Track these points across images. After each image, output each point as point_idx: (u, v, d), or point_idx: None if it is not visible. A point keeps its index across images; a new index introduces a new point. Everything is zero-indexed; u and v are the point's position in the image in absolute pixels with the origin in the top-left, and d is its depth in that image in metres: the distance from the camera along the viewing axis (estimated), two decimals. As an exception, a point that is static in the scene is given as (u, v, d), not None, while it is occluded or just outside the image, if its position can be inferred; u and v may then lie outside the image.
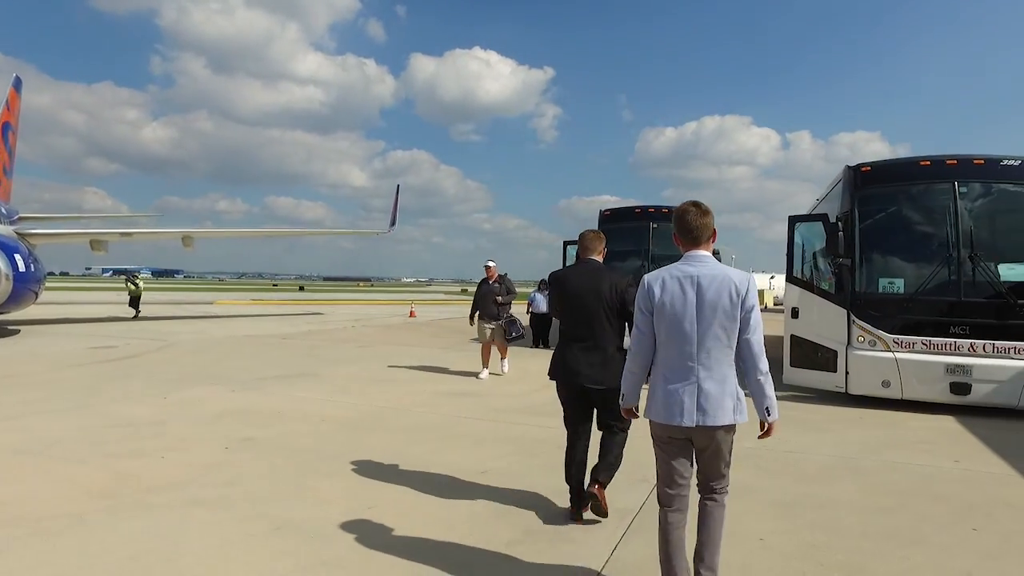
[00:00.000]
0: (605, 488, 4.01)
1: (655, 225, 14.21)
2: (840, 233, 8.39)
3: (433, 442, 6.06)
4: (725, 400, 2.75)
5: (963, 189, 8.22)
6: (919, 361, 8.03)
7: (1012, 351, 7.77)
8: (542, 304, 15.29)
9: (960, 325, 7.93)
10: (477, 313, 10.58)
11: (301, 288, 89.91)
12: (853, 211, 8.60)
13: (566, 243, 15.06)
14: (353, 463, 5.26)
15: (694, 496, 2.99)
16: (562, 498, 4.34)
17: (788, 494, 4.74)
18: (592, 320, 3.94)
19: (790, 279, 9.31)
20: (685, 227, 2.94)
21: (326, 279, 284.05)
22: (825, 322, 8.81)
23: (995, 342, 7.82)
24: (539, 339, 15.36)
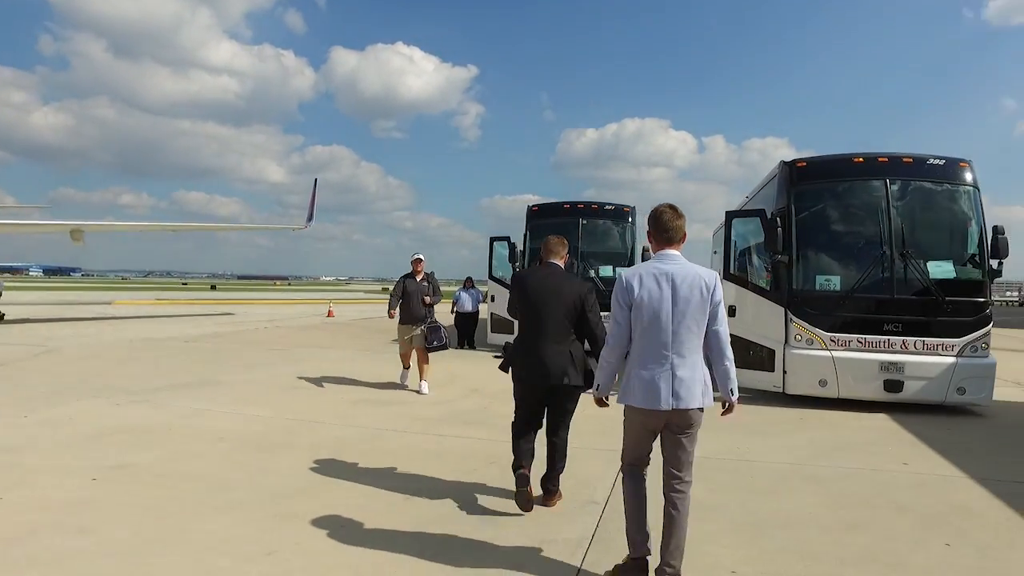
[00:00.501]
0: (555, 494, 4.28)
1: (584, 221, 13.85)
2: (779, 229, 8.20)
3: (349, 462, 5.27)
4: (696, 386, 3.00)
5: (894, 187, 8.18)
6: (855, 359, 7.94)
7: (940, 348, 7.82)
8: (467, 303, 14.61)
9: (893, 323, 7.90)
10: (399, 315, 9.16)
11: (213, 287, 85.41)
12: (789, 207, 8.42)
13: (493, 239, 14.50)
14: (252, 494, 4.42)
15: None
16: (505, 528, 3.73)
17: (749, 511, 4.30)
18: (555, 322, 4.06)
19: (727, 276, 9.04)
20: (661, 227, 3.15)
21: (241, 278, 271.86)
22: (762, 320, 8.61)
23: (925, 339, 7.83)
24: (464, 340, 14.68)
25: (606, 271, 13.58)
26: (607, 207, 14.15)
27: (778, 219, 8.27)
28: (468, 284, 14.87)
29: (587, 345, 4.16)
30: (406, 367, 9.33)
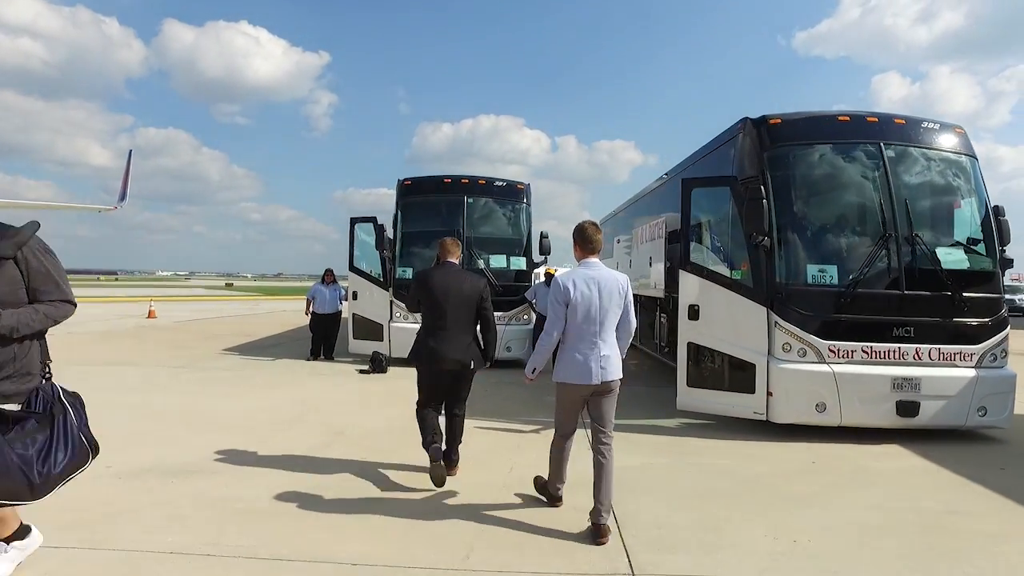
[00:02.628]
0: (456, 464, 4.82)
1: (470, 200, 11.17)
2: (764, 201, 6.21)
3: None
4: (615, 360, 3.84)
5: (890, 153, 6.52)
6: (862, 375, 6.00)
7: (958, 357, 6.15)
8: (327, 302, 11.36)
9: (904, 326, 6.13)
10: None
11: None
12: (764, 175, 6.44)
13: (354, 220, 11.38)
14: None
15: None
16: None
17: None
18: (457, 314, 4.62)
19: (686, 266, 6.81)
20: (587, 240, 3.93)
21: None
22: (736, 325, 6.47)
23: (941, 347, 6.13)
24: (321, 348, 11.42)
25: (498, 262, 11.00)
26: (497, 183, 11.54)
27: (760, 189, 6.27)
28: (328, 278, 11.60)
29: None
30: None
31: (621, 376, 3.85)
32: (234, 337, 15.23)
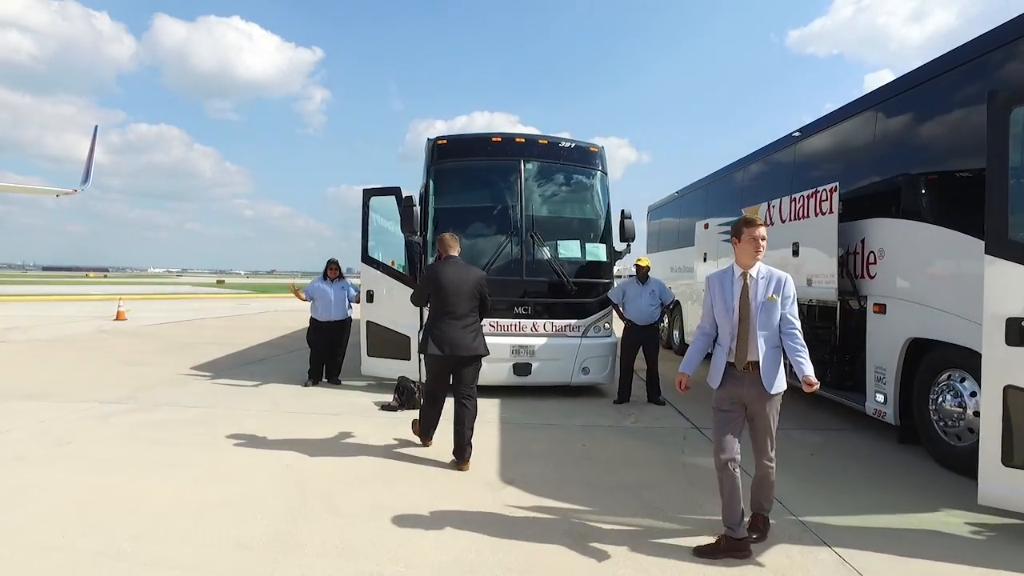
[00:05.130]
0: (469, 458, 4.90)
1: (529, 166, 8.09)
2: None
3: None
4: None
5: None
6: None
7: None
8: (332, 305, 8.29)
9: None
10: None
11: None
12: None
13: (369, 193, 8.22)
14: None
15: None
16: None
17: None
18: (468, 305, 4.99)
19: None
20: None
21: (47, 269, 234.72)
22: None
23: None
24: (322, 369, 8.38)
25: (570, 251, 7.98)
26: (564, 144, 8.41)
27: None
28: (332, 273, 8.52)
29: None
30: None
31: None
32: (212, 348, 12.12)
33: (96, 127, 17.68)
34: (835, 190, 6.25)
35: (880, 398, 5.80)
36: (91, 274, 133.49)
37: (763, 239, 3.35)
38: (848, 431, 6.30)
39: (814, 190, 6.59)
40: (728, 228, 9.64)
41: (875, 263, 5.95)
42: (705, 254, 10.44)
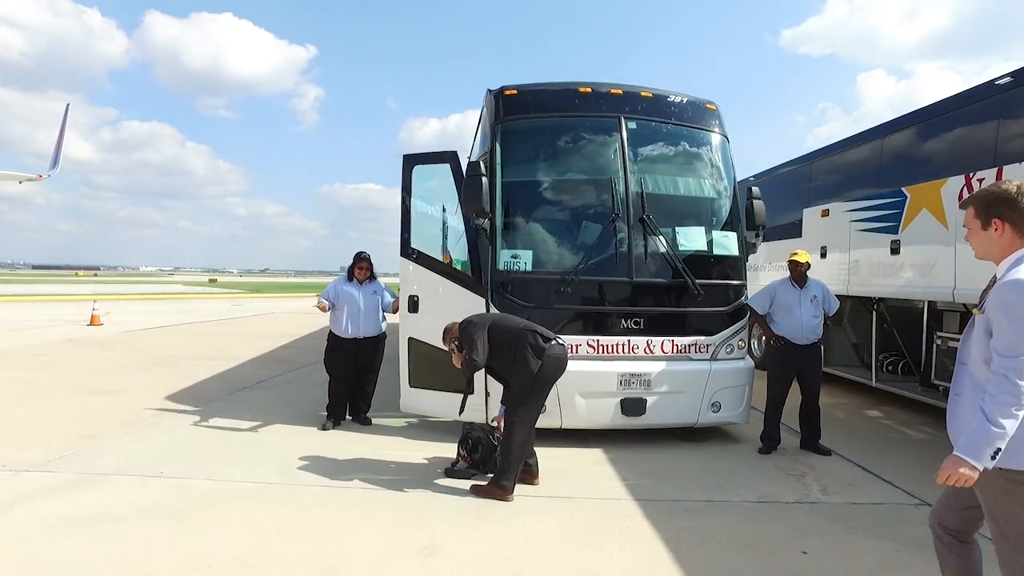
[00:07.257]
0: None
1: (632, 125, 5.83)
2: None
3: None
4: None
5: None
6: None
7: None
8: (363, 316, 6.00)
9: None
10: None
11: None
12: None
13: (410, 159, 5.90)
14: None
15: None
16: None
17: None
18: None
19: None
20: None
21: (36, 267, 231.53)
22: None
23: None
24: (345, 404, 6.07)
25: (692, 241, 5.74)
26: (672, 99, 6.16)
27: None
28: (361, 273, 6.14)
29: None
30: None
31: None
32: (196, 363, 9.77)
33: (68, 105, 15.51)
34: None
35: None
36: (81, 273, 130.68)
37: None
38: None
39: None
40: (870, 212, 7.41)
41: None
42: (824, 248, 8.22)
